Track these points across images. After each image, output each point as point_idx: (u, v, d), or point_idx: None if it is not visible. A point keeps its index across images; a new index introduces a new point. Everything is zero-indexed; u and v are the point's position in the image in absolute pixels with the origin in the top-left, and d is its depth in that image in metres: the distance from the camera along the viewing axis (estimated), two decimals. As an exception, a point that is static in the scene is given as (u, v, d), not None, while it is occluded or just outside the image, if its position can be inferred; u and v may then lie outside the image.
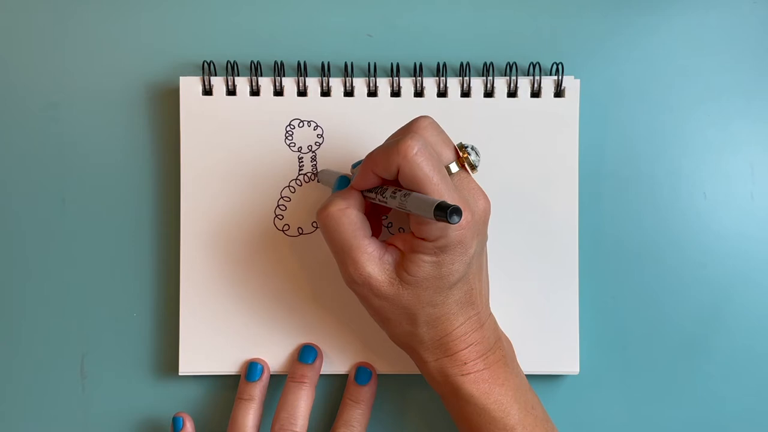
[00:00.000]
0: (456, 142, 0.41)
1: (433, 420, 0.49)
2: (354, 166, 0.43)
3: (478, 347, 0.42)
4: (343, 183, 0.42)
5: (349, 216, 0.40)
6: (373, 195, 0.41)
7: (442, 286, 0.40)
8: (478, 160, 0.40)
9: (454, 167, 0.40)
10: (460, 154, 0.40)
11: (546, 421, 0.43)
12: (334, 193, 0.41)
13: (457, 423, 0.44)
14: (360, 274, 0.40)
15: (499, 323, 0.47)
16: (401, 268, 0.40)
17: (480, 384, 0.41)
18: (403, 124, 0.41)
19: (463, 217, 0.38)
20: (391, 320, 0.41)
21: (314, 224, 0.48)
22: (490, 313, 0.43)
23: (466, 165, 0.40)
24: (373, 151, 0.40)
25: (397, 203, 0.39)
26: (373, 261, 0.40)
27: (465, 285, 0.40)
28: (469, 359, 0.41)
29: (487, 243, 0.48)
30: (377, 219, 0.44)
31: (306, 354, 0.47)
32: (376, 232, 0.43)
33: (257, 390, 0.47)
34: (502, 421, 0.41)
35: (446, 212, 0.36)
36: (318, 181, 0.48)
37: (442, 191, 0.38)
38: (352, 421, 0.47)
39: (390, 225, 0.47)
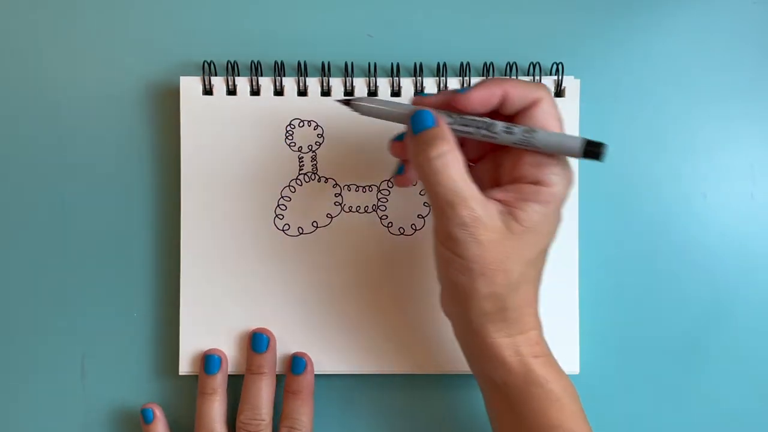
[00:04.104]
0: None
1: (426, 419, 0.50)
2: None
3: (540, 330, 0.41)
4: (427, 118, 0.38)
5: (459, 158, 0.37)
6: (472, 130, 0.38)
7: (541, 244, 0.39)
8: None
9: None
10: None
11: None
12: (428, 131, 0.37)
13: (506, 415, 0.41)
14: (473, 216, 0.37)
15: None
16: (510, 218, 0.38)
17: (548, 368, 0.40)
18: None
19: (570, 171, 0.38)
20: (484, 276, 0.37)
21: (314, 224, 0.48)
22: None
23: None
24: (503, 78, 0.39)
25: (515, 139, 0.37)
26: (482, 205, 0.37)
27: (545, 256, 0.39)
28: (540, 341, 0.40)
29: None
30: None
31: (258, 343, 0.47)
32: None
33: (218, 382, 0.47)
34: (569, 407, 0.40)
35: (600, 149, 0.35)
36: (361, 113, 0.41)
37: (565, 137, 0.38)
38: (294, 414, 0.46)
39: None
